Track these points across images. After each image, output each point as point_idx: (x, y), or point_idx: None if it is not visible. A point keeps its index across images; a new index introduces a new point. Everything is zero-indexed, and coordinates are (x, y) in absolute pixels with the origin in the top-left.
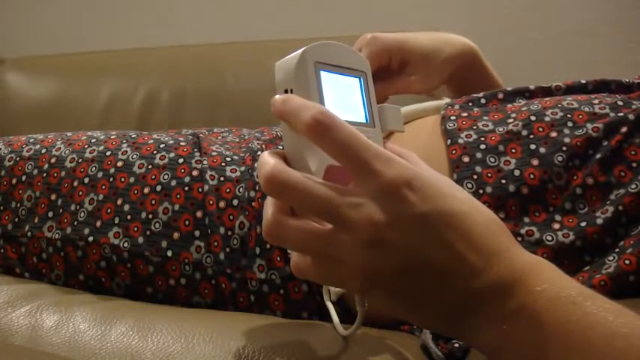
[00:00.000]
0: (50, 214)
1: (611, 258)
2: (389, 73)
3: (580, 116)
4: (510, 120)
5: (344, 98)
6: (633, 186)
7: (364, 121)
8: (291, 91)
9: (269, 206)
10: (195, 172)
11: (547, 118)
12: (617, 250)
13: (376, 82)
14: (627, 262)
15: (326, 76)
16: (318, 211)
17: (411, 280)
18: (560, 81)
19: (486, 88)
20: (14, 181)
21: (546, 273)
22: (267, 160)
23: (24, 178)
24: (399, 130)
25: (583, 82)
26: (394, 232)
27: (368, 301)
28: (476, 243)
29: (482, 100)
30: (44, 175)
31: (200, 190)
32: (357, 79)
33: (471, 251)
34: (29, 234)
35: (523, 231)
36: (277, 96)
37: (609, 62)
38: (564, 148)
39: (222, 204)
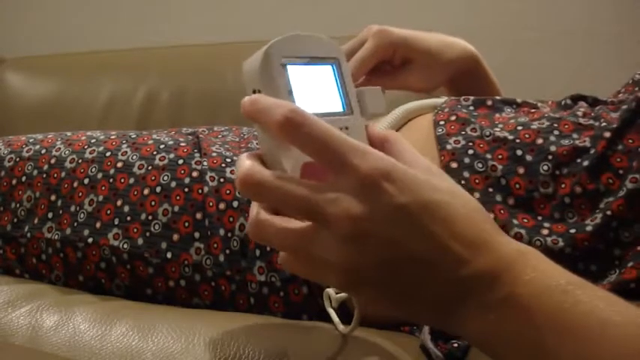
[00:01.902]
0: (50, 215)
1: (613, 272)
2: (390, 67)
3: (566, 126)
4: (497, 129)
5: (316, 90)
6: (621, 192)
7: (341, 110)
8: (259, 92)
9: (254, 206)
10: (195, 174)
11: (534, 126)
12: (616, 262)
13: (377, 75)
14: (628, 274)
15: (294, 70)
16: (296, 209)
17: (394, 273)
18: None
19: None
20: (14, 181)
21: (533, 261)
22: (243, 162)
23: (24, 178)
24: (381, 113)
25: (568, 102)
26: (373, 225)
27: (354, 297)
28: (459, 232)
29: (471, 107)
30: (44, 175)
31: (200, 191)
32: (330, 66)
33: (453, 241)
34: (28, 235)
35: (512, 233)
36: (246, 97)
37: (609, 62)
38: (550, 157)
39: (222, 205)
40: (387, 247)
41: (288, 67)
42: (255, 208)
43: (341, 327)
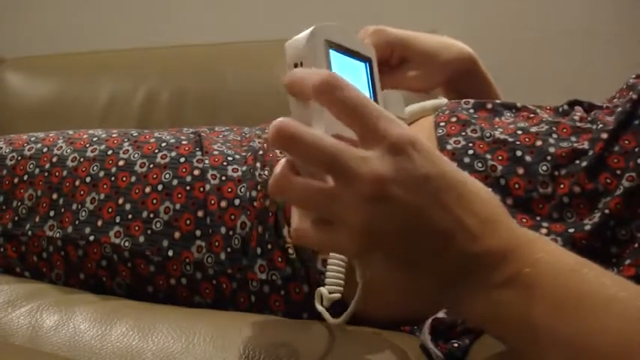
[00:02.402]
0: (51, 214)
1: (610, 270)
2: (387, 67)
3: (564, 130)
4: (497, 132)
5: (351, 79)
6: (618, 191)
7: None
8: (301, 64)
9: (280, 163)
10: (196, 172)
11: (533, 130)
12: (614, 260)
13: None
14: (627, 271)
15: (334, 56)
16: (324, 162)
17: (408, 240)
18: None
19: (484, 98)
20: (16, 180)
21: (541, 244)
22: (278, 119)
23: (25, 177)
24: (402, 117)
25: (565, 107)
26: (397, 188)
27: (366, 268)
28: (475, 209)
29: (471, 110)
30: (46, 174)
31: (202, 189)
32: (364, 64)
33: (469, 216)
34: (30, 233)
35: None
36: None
37: (609, 62)
38: (549, 158)
39: (223, 204)
40: (406, 213)
41: (330, 51)
42: (281, 165)
43: (332, 320)
